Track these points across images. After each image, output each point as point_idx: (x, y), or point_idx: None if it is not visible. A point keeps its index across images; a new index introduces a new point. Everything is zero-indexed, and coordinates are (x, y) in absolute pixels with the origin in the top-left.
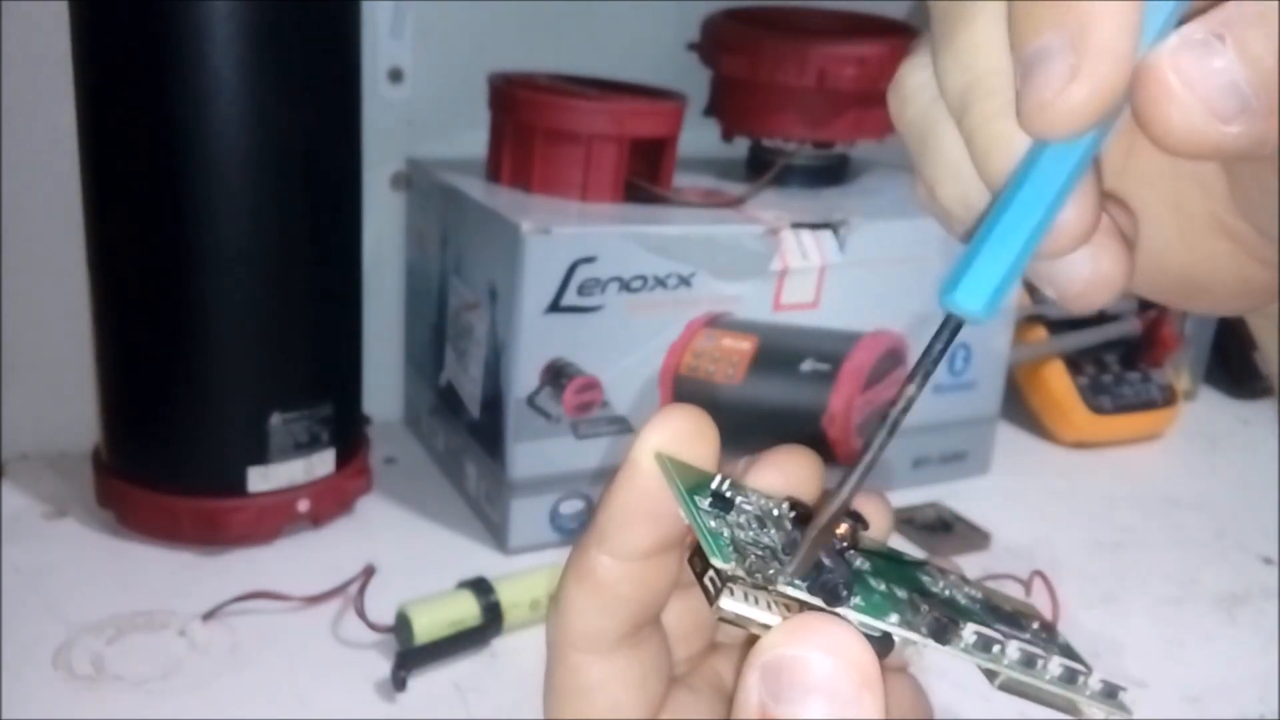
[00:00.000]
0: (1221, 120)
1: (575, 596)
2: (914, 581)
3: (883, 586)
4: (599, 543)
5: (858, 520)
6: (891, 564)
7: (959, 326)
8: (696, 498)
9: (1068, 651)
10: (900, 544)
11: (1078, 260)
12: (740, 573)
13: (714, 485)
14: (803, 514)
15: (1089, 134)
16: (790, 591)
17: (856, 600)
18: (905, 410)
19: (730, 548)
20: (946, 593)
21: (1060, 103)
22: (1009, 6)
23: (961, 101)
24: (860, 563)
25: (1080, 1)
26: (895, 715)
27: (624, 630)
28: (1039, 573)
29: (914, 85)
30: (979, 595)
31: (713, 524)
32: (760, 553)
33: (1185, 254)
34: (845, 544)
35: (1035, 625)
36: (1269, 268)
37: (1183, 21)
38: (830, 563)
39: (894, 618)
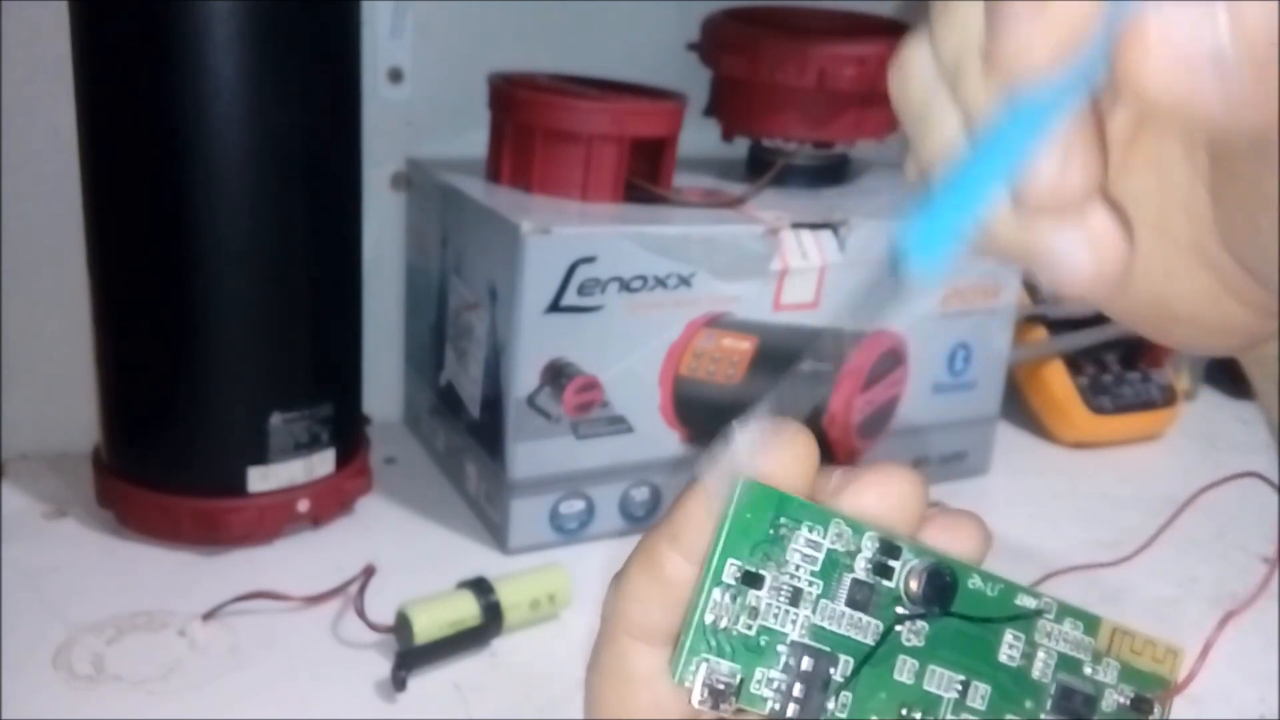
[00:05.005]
0: (1198, 85)
1: (639, 587)
2: (985, 650)
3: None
4: (671, 540)
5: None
6: (967, 627)
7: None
8: (731, 559)
9: None
10: None
11: (1079, 254)
12: (695, 690)
13: (746, 563)
14: (888, 561)
15: (1055, 86)
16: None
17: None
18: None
19: (699, 659)
20: (1023, 663)
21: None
22: None
23: (956, 66)
24: (911, 638)
25: None
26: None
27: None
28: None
29: (914, 61)
30: (1087, 659)
31: (710, 618)
32: (726, 680)
33: (1163, 280)
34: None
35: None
36: (1248, 307)
37: None
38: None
39: None
